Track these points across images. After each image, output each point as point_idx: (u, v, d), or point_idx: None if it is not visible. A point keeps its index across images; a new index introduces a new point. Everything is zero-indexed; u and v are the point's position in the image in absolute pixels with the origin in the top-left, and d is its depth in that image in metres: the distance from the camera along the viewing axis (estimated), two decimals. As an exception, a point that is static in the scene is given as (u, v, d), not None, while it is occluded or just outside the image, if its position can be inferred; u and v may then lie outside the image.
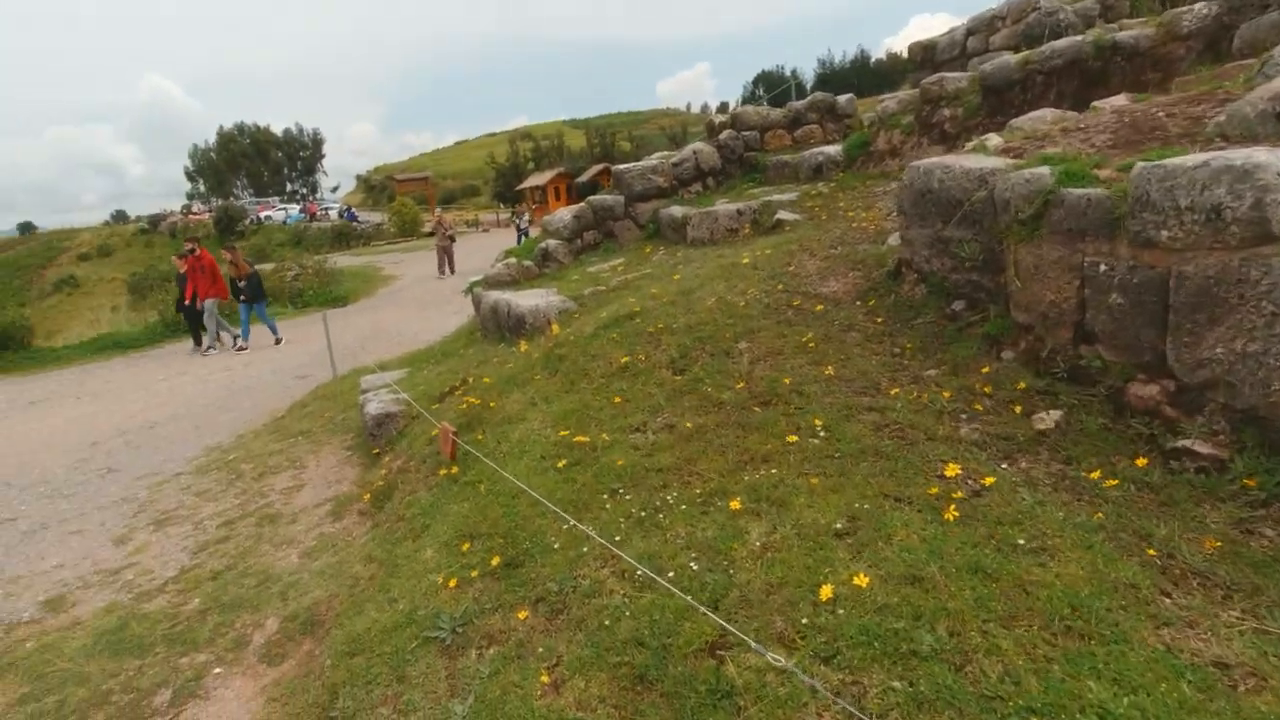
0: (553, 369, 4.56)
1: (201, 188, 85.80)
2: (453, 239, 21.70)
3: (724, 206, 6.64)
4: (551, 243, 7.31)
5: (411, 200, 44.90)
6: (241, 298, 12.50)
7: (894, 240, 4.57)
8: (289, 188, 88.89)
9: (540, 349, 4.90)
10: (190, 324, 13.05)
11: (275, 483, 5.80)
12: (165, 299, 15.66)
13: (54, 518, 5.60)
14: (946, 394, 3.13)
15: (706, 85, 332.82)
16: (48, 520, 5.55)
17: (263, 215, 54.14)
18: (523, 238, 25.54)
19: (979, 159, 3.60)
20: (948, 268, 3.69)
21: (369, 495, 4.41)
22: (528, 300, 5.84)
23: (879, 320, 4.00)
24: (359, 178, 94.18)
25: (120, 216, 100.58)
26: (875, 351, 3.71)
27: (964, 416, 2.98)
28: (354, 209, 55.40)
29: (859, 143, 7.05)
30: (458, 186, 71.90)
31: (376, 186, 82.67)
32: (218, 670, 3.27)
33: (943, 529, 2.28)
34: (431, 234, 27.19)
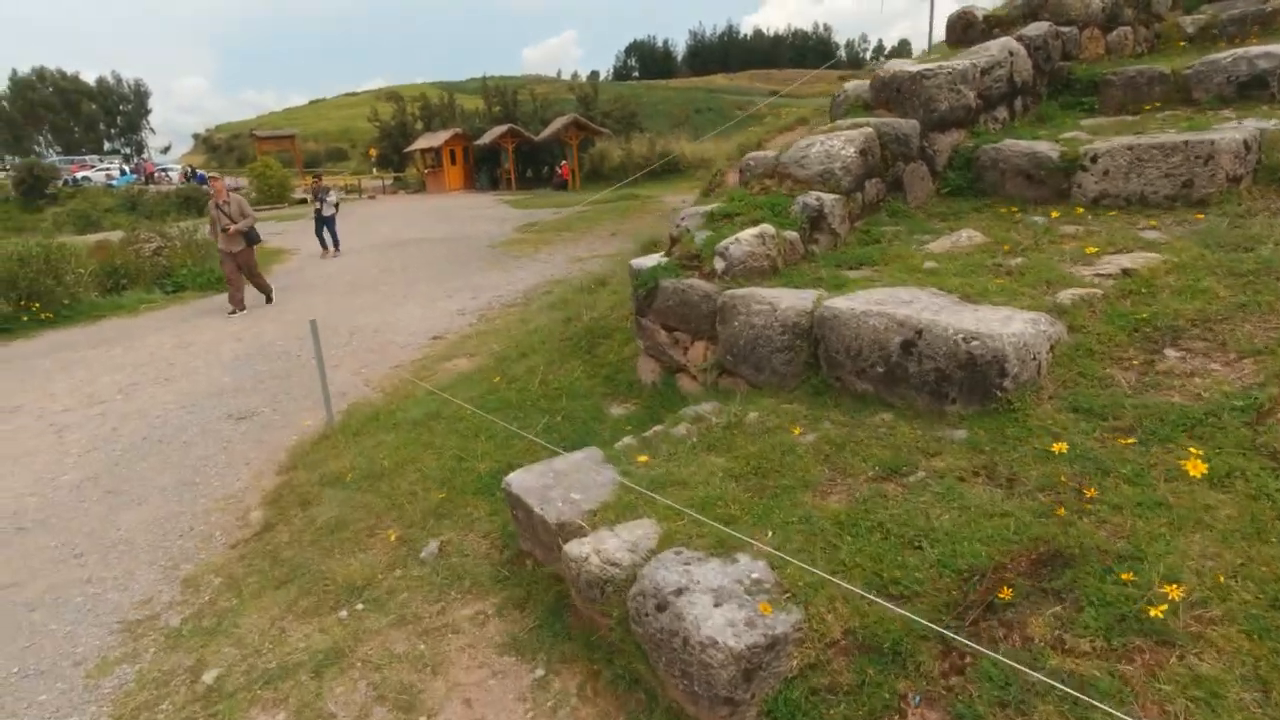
0: None
1: (-10, 142, 71.44)
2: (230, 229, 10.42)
3: (1219, 134, 3.53)
4: (825, 198, 3.82)
5: (276, 161, 37.69)
6: None
7: None
8: (108, 145, 75.69)
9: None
10: None
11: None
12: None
13: None
14: None
15: (573, 54, 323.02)
16: None
17: (78, 175, 44.92)
18: (325, 230, 15.62)
19: None
20: None
21: None
22: (987, 322, 2.49)
23: None
24: (197, 136, 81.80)
25: None
26: None
27: None
28: (202, 171, 46.91)
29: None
30: (322, 149, 62.76)
31: (221, 146, 71.52)
32: None
33: None
34: (311, 199, 17.33)
